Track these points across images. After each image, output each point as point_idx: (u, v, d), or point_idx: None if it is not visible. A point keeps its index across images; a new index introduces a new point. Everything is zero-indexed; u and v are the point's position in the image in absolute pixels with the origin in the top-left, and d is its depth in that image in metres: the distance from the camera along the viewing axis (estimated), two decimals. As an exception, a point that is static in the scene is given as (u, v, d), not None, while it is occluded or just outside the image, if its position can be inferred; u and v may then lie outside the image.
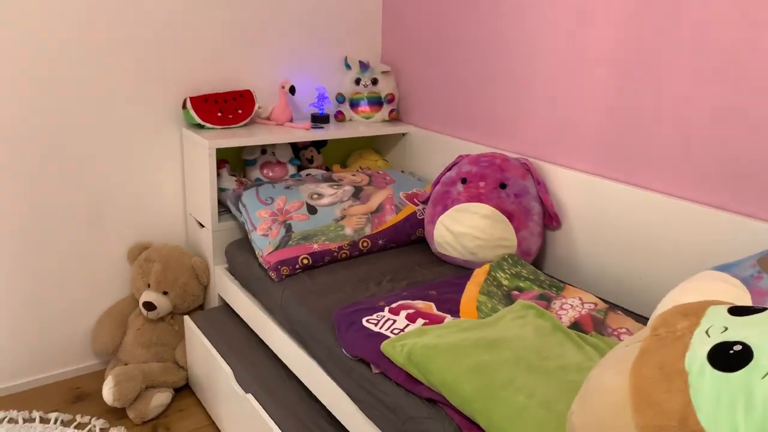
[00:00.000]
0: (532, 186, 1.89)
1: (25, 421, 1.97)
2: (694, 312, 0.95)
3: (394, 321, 1.47)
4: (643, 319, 1.58)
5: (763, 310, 0.90)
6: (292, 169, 2.34)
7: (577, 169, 1.86)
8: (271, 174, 2.30)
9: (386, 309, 1.53)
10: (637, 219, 1.69)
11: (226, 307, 2.14)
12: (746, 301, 1.17)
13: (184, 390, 2.15)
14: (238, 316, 2.07)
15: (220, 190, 2.17)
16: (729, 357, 0.82)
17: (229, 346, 1.92)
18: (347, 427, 1.48)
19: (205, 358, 1.95)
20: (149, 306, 2.08)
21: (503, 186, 1.86)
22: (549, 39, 1.88)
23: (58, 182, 2.03)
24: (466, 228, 1.85)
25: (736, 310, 0.92)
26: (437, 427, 1.21)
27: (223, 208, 2.17)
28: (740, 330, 0.86)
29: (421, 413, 1.26)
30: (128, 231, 2.21)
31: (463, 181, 1.91)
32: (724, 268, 1.28)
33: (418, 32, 2.41)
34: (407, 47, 2.48)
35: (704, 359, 0.84)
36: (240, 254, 2.03)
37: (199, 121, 2.14)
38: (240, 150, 2.33)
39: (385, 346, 1.37)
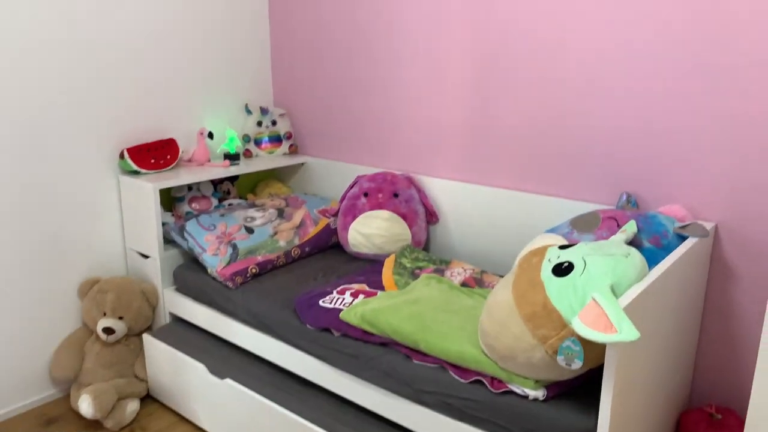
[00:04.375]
0: (416, 193, 2.55)
1: (8, 448, 2.20)
2: (541, 251, 1.64)
3: (343, 299, 2.02)
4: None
5: (574, 245, 1.60)
6: (215, 201, 2.78)
7: (445, 177, 2.55)
8: (198, 207, 2.72)
9: (334, 292, 2.08)
10: (491, 208, 2.40)
11: (177, 322, 2.52)
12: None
13: (146, 399, 2.49)
14: (190, 327, 2.47)
15: (162, 224, 2.55)
16: (562, 270, 1.51)
17: (193, 349, 2.32)
18: (321, 384, 1.99)
19: (171, 364, 2.32)
20: (109, 331, 2.40)
21: (396, 195, 2.50)
22: (413, 82, 2.56)
23: (10, 232, 2.29)
24: (373, 230, 2.45)
25: (562, 247, 1.62)
26: (391, 358, 1.79)
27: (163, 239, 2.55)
28: (565, 256, 1.55)
29: (378, 353, 1.83)
30: (74, 270, 2.50)
31: (365, 194, 2.52)
32: (551, 230, 2.02)
33: (304, 78, 2.98)
34: (297, 91, 3.03)
35: (550, 273, 1.52)
36: (190, 274, 2.44)
37: (136, 168, 2.51)
38: (168, 189, 2.72)
39: (343, 315, 1.91)
